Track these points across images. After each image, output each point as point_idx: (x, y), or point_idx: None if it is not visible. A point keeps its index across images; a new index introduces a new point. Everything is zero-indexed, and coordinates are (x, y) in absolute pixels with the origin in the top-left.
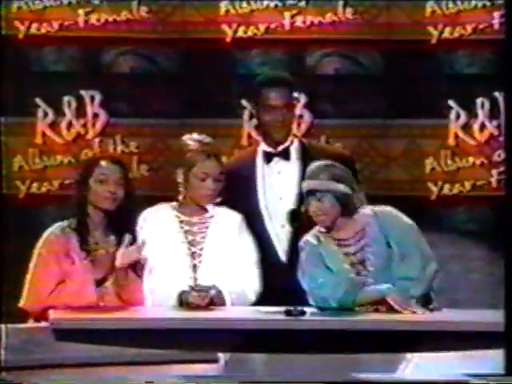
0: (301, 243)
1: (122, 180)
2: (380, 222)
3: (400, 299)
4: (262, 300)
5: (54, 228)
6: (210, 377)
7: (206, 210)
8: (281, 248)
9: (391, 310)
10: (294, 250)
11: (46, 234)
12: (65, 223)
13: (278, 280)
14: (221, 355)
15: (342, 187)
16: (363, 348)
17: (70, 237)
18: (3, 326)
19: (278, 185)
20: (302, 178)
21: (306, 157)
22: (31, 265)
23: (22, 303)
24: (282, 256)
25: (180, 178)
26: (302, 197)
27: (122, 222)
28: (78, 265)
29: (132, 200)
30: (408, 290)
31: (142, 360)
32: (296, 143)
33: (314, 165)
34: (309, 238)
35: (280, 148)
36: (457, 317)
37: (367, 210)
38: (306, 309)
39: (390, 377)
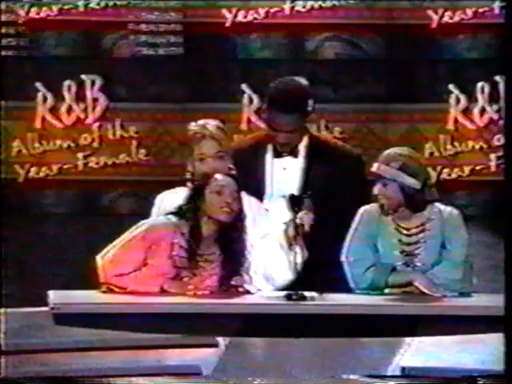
0: (361, 210)
1: (236, 194)
2: (443, 222)
3: (427, 283)
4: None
5: (163, 220)
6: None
7: None
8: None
9: (421, 293)
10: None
11: (152, 222)
12: (174, 220)
13: None
14: (220, 339)
15: (409, 180)
16: (363, 332)
17: (175, 236)
18: (3, 309)
19: (283, 181)
20: (307, 175)
21: (314, 154)
22: (125, 240)
23: (100, 261)
24: None
25: (190, 167)
26: (305, 192)
27: (229, 238)
28: (161, 263)
29: (241, 219)
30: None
31: (142, 344)
32: (305, 141)
33: (390, 150)
34: (372, 208)
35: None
36: (456, 301)
37: (435, 205)
38: (307, 293)
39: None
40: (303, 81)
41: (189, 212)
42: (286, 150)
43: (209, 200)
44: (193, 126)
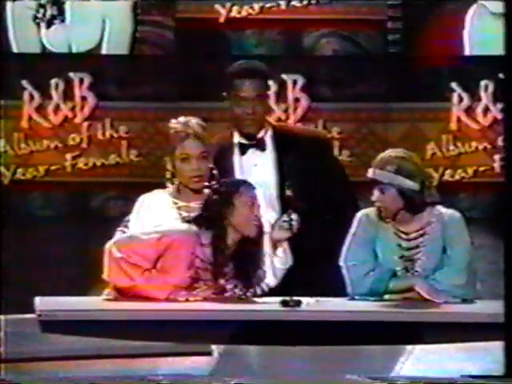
0: (359, 214)
1: (259, 208)
2: (444, 225)
3: (429, 288)
4: None
5: (183, 227)
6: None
7: (203, 195)
8: None
9: (422, 299)
10: None
11: (172, 228)
12: (194, 229)
13: None
14: (214, 347)
15: (407, 183)
16: (362, 340)
17: (195, 248)
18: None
19: (256, 178)
20: (280, 168)
21: (281, 146)
22: (140, 236)
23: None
24: None
25: (169, 166)
26: (282, 186)
27: (247, 252)
28: (177, 272)
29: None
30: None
31: (133, 353)
32: (270, 132)
33: (384, 154)
34: (370, 212)
35: (254, 140)
36: (459, 307)
37: (435, 208)
38: (303, 299)
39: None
40: None
41: (211, 220)
42: (250, 130)
43: (239, 212)
44: (174, 124)
